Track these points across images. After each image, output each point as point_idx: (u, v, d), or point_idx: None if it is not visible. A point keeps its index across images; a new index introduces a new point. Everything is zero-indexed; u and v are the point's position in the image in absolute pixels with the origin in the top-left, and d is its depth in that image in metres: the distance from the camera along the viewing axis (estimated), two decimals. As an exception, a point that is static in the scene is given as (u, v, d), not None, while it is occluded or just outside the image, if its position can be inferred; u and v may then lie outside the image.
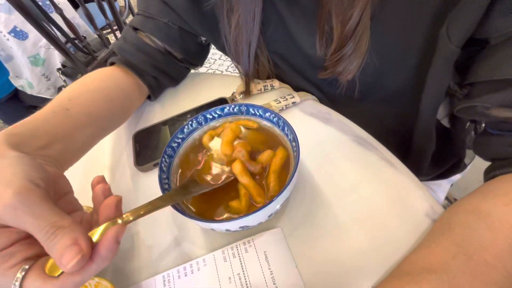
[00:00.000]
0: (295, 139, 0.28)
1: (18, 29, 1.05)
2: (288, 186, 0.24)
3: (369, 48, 0.31)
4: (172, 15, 0.41)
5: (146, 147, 0.41)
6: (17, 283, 0.16)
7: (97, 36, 1.23)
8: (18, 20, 1.04)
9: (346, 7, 0.27)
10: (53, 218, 0.18)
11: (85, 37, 1.17)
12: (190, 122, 0.33)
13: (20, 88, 1.23)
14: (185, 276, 0.28)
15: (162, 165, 0.29)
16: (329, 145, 0.36)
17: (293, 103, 0.42)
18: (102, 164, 0.43)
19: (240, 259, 0.28)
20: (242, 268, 0.27)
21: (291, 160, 0.29)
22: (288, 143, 0.30)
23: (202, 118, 0.34)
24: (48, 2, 1.03)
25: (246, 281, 0.27)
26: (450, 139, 0.45)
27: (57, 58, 1.20)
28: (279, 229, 0.29)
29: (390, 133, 0.41)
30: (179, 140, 0.32)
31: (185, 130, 0.33)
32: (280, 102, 0.41)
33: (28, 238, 0.19)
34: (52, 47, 1.14)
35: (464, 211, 0.24)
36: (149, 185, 0.38)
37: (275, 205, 0.25)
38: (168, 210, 0.34)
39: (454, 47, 0.26)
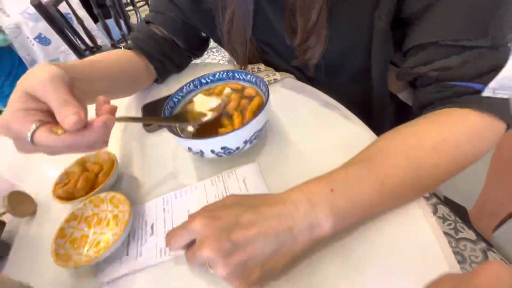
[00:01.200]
0: (267, 90, 0.36)
1: (42, 36, 1.18)
2: (260, 115, 0.32)
3: (327, 38, 0.39)
4: (177, 11, 0.51)
5: (153, 114, 0.50)
6: (30, 132, 0.24)
7: (111, 46, 1.36)
8: (43, 27, 1.17)
9: (306, 8, 0.36)
10: (66, 96, 0.26)
11: (101, 47, 1.31)
12: (188, 84, 0.42)
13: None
14: (181, 197, 0.36)
15: (165, 111, 0.38)
16: (301, 108, 0.44)
17: (275, 79, 0.50)
18: (117, 126, 0.51)
19: (224, 184, 0.35)
20: (226, 190, 0.35)
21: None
22: (262, 94, 0.38)
23: (198, 81, 0.42)
24: (70, 16, 1.17)
25: (228, 191, 0.34)
26: (408, 112, 0.53)
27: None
28: (256, 163, 0.37)
29: (357, 107, 0.49)
30: (179, 97, 0.41)
31: (184, 90, 0.41)
32: (264, 79, 0.49)
33: (45, 112, 0.27)
34: (70, 53, 1.27)
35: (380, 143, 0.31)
36: (154, 142, 0.46)
37: (249, 129, 0.32)
38: (170, 150, 0.43)
39: (384, 25, 0.35)
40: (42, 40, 1.19)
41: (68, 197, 0.36)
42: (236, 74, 0.42)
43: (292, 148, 0.38)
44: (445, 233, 1.01)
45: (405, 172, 0.27)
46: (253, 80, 0.40)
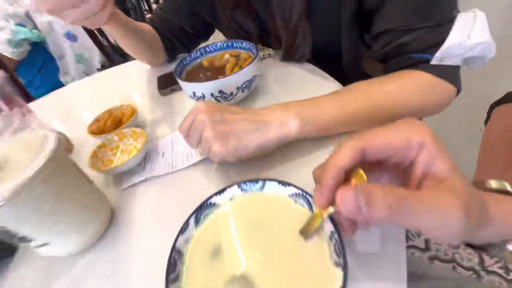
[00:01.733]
0: (256, 51, 0.45)
1: (71, 33, 1.33)
2: (247, 67, 0.41)
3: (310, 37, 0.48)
4: (185, 1, 0.62)
5: (166, 82, 0.60)
6: None
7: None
8: (71, 26, 1.32)
9: (288, 15, 0.46)
10: None
11: (120, 44, 1.45)
12: (194, 52, 0.52)
13: (65, 84, 1.49)
14: (185, 134, 0.45)
15: (176, 71, 0.47)
16: (290, 73, 0.53)
17: (269, 54, 0.60)
18: (139, 92, 0.62)
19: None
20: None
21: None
22: (254, 56, 0.47)
23: (203, 50, 0.52)
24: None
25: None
26: None
27: (97, 59, 1.46)
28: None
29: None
30: (186, 62, 0.51)
31: (192, 55, 0.51)
32: (259, 53, 0.59)
33: None
34: (94, 49, 1.41)
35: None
36: (166, 103, 0.56)
37: (240, 77, 0.41)
38: (179, 109, 0.52)
39: (349, 18, 0.44)
40: (71, 37, 1.33)
41: (99, 133, 0.46)
42: (234, 44, 0.51)
43: (281, 99, 0.47)
44: (494, 273, 1.05)
45: (363, 104, 0.35)
46: (247, 46, 0.49)
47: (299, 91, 0.49)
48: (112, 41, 1.41)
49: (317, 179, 0.22)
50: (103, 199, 0.34)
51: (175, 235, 0.23)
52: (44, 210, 0.25)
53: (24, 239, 0.26)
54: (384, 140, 0.19)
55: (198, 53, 0.52)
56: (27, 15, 1.21)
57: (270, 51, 0.60)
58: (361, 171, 0.19)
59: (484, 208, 0.19)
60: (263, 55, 0.60)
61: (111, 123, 0.47)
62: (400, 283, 0.22)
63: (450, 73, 0.38)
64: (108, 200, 0.35)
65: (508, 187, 0.24)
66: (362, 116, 0.36)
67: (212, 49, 0.53)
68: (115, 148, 0.44)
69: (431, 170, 0.18)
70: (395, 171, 0.21)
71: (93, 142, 0.44)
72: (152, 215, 0.34)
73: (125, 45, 0.58)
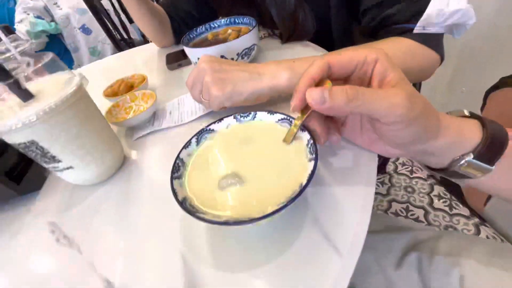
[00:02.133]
0: (257, 25, 0.50)
1: (86, 27, 1.41)
2: (247, 34, 0.46)
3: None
4: None
5: (174, 58, 0.65)
6: None
7: (141, 39, 1.57)
8: (86, 20, 1.40)
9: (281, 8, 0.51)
10: None
11: (133, 39, 1.53)
12: (200, 27, 0.57)
13: (78, 75, 1.57)
14: (190, 96, 0.50)
15: (184, 42, 0.52)
16: (287, 47, 0.58)
17: (268, 34, 0.65)
18: (149, 68, 0.67)
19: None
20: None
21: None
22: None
23: (208, 26, 0.57)
24: (110, 11, 1.39)
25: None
26: None
27: (109, 52, 1.54)
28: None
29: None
30: (193, 36, 0.56)
31: (198, 30, 0.56)
32: (260, 32, 0.64)
33: None
34: (107, 43, 1.49)
35: None
36: (173, 77, 0.61)
37: (240, 44, 0.46)
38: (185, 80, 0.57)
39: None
40: (85, 30, 1.41)
41: (113, 95, 0.51)
42: (236, 20, 0.56)
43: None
44: (440, 209, 1.08)
45: None
46: (248, 21, 0.54)
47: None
48: (124, 35, 1.48)
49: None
50: (117, 141, 0.39)
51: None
52: (72, 133, 0.30)
53: (54, 159, 0.31)
54: (346, 57, 0.23)
55: (203, 29, 0.57)
56: (46, 9, 1.29)
57: (270, 31, 0.65)
58: (328, 81, 0.23)
59: (434, 116, 0.23)
60: (263, 34, 0.65)
61: (124, 87, 0.52)
62: (369, 187, 0.26)
63: (433, 40, 0.42)
64: (121, 144, 0.40)
65: (466, 112, 0.28)
66: None
67: (216, 25, 0.58)
68: (128, 108, 0.49)
69: (385, 80, 0.22)
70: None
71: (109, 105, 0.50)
72: (160, 159, 0.39)
73: (141, 22, 0.65)
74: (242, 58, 0.49)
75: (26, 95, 0.29)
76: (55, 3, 1.30)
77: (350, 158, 0.29)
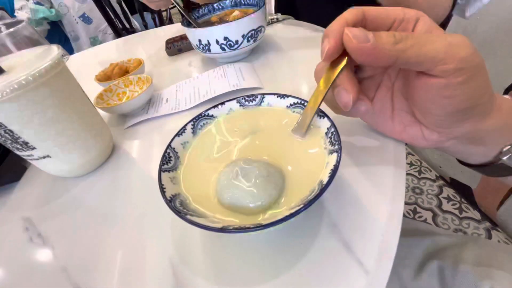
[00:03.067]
0: (263, 3, 0.45)
1: (86, 15, 1.37)
2: (253, 14, 0.41)
3: None
4: None
5: (173, 44, 0.60)
6: None
7: (143, 28, 1.53)
8: (87, 8, 1.35)
9: None
10: None
11: (135, 29, 1.48)
12: (202, 8, 0.52)
13: (79, 64, 1.53)
14: (189, 82, 0.45)
15: (184, 24, 0.48)
16: (294, 35, 0.53)
17: (277, 19, 0.60)
18: (148, 53, 0.63)
19: (223, 71, 0.44)
20: (224, 74, 0.44)
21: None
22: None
23: (211, 7, 0.52)
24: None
25: (226, 76, 0.43)
26: None
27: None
28: (251, 63, 0.46)
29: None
30: (194, 17, 0.51)
31: (200, 11, 0.52)
32: (267, 17, 0.59)
33: None
34: (108, 32, 1.44)
35: None
36: (172, 63, 0.57)
37: (245, 24, 0.41)
38: (185, 65, 0.52)
39: None
40: (86, 19, 1.37)
41: (105, 79, 0.47)
42: (242, 1, 0.51)
43: (285, 61, 0.47)
44: (449, 212, 1.03)
45: None
46: (255, 2, 0.49)
47: (306, 44, 0.48)
48: (126, 24, 1.44)
49: (318, 72, 0.22)
50: (106, 128, 0.34)
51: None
52: (48, 116, 0.26)
53: (27, 145, 0.27)
54: (383, 10, 0.19)
55: (206, 10, 0.53)
56: (45, -7, 1.25)
57: (279, 15, 0.60)
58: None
59: (489, 84, 0.18)
60: (271, 19, 0.60)
61: (118, 70, 0.48)
62: (398, 188, 0.22)
63: None
64: (110, 132, 0.35)
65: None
66: None
67: (220, 7, 0.53)
68: (122, 94, 0.45)
69: None
70: None
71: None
72: (153, 149, 0.35)
73: None
74: (248, 41, 0.44)
75: (-6, 69, 0.24)
76: (55, -10, 1.26)
77: (374, 151, 0.25)
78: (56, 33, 1.40)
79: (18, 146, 0.27)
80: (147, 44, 0.72)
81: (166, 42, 0.62)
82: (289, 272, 0.19)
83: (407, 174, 1.18)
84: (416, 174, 1.16)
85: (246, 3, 0.51)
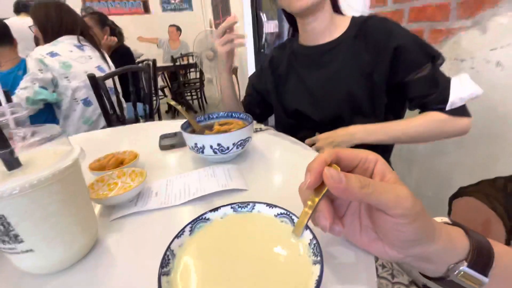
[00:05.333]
0: (252, 120, 0.56)
1: (88, 99, 1.47)
2: (243, 128, 0.50)
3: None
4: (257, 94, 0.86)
5: (167, 140, 0.67)
6: None
7: (132, 117, 1.66)
8: (90, 94, 1.46)
9: None
10: None
11: (124, 115, 1.60)
12: (199, 117, 0.62)
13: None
14: (180, 178, 0.49)
15: (183, 127, 0.56)
16: (276, 142, 0.63)
17: (260, 129, 0.72)
18: (141, 144, 0.68)
19: (213, 171, 0.50)
20: (213, 174, 0.49)
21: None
22: (247, 122, 0.57)
23: (206, 116, 0.63)
24: (112, 90, 1.51)
25: (215, 176, 0.48)
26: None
27: (101, 125, 1.56)
28: (237, 165, 0.52)
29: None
30: (199, 120, 0.60)
31: (197, 119, 0.61)
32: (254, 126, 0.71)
33: None
34: (101, 116, 1.54)
35: None
36: (164, 158, 0.62)
37: (236, 136, 0.50)
38: (175, 160, 0.58)
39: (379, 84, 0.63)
40: (87, 103, 1.47)
41: (99, 169, 0.49)
42: (233, 114, 0.63)
43: (267, 166, 0.55)
44: None
45: (402, 130, 0.63)
46: (244, 117, 0.60)
47: (284, 152, 0.57)
48: (119, 114, 1.56)
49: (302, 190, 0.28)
50: (94, 220, 0.35)
51: (157, 268, 0.23)
52: (49, 210, 0.27)
53: (15, 239, 0.26)
54: (352, 152, 0.26)
55: (202, 118, 0.62)
56: (53, 81, 1.36)
57: (262, 126, 0.72)
58: (335, 165, 0.24)
59: (430, 218, 0.24)
60: (256, 128, 0.71)
61: (113, 161, 0.51)
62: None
63: (459, 110, 0.61)
64: (97, 226, 0.36)
65: (447, 219, 0.30)
66: (401, 136, 0.64)
67: (214, 116, 0.63)
68: (113, 184, 0.47)
69: (384, 178, 0.24)
70: None
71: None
72: (138, 245, 0.35)
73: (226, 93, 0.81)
74: (237, 148, 0.51)
75: (14, 164, 0.27)
76: (66, 77, 1.39)
77: (349, 259, 0.28)
78: (45, 112, 1.45)
79: (6, 238, 0.26)
80: (141, 136, 0.78)
81: (160, 138, 0.69)
82: None
83: (381, 277, 1.15)
84: (389, 277, 1.14)
85: (235, 116, 0.62)
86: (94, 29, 1.87)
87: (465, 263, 0.25)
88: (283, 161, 0.55)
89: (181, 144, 0.65)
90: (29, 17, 1.54)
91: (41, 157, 0.30)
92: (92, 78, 1.32)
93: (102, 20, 1.97)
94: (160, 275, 0.21)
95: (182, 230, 0.26)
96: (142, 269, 0.30)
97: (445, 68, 0.91)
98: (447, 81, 0.61)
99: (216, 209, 0.29)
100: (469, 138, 0.69)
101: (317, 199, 0.25)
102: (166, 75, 3.85)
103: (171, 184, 0.48)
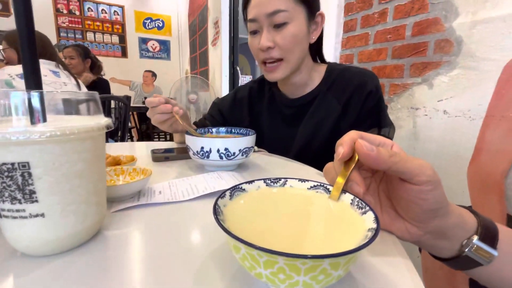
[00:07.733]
0: (253, 133, 0.59)
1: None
2: (247, 136, 0.52)
3: None
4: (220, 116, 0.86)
5: (159, 153, 0.65)
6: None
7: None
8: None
9: None
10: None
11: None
12: (199, 130, 0.63)
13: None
14: (183, 181, 0.47)
15: (188, 134, 0.56)
16: (270, 164, 0.65)
17: (254, 150, 0.74)
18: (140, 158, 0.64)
19: (219, 175, 0.49)
20: (219, 176, 0.48)
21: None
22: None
23: (206, 129, 0.64)
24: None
25: (221, 177, 0.47)
26: None
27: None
28: (240, 174, 0.53)
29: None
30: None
31: (197, 131, 0.62)
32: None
33: None
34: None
35: None
36: (159, 170, 0.60)
37: (242, 142, 0.51)
38: (171, 173, 0.56)
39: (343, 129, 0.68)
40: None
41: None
42: (233, 129, 0.65)
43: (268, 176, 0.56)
44: None
45: None
46: (245, 132, 0.63)
47: (282, 168, 0.59)
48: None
49: (328, 170, 0.30)
50: (105, 202, 0.31)
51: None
52: (75, 168, 0.25)
53: (30, 197, 0.23)
54: (372, 135, 0.30)
55: (203, 131, 0.63)
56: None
57: (255, 147, 0.75)
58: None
59: (447, 201, 0.28)
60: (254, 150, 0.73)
61: (111, 161, 0.48)
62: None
63: None
64: (106, 205, 0.32)
65: None
66: None
67: (213, 131, 0.65)
68: (110, 181, 0.43)
69: None
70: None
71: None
72: (141, 236, 0.32)
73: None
74: (242, 155, 0.53)
75: (41, 117, 0.25)
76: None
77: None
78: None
79: (18, 195, 0.23)
80: (128, 153, 0.74)
81: (152, 151, 0.67)
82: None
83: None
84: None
85: (236, 131, 0.64)
86: (76, 60, 1.86)
87: (476, 237, 0.28)
88: (282, 175, 0.57)
89: (175, 157, 0.63)
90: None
91: (64, 120, 0.28)
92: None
93: (85, 52, 1.98)
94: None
95: (223, 193, 0.26)
96: (142, 263, 0.27)
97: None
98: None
99: (250, 182, 0.29)
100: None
101: (350, 168, 0.27)
102: (134, 116, 3.79)
103: (175, 185, 0.45)
